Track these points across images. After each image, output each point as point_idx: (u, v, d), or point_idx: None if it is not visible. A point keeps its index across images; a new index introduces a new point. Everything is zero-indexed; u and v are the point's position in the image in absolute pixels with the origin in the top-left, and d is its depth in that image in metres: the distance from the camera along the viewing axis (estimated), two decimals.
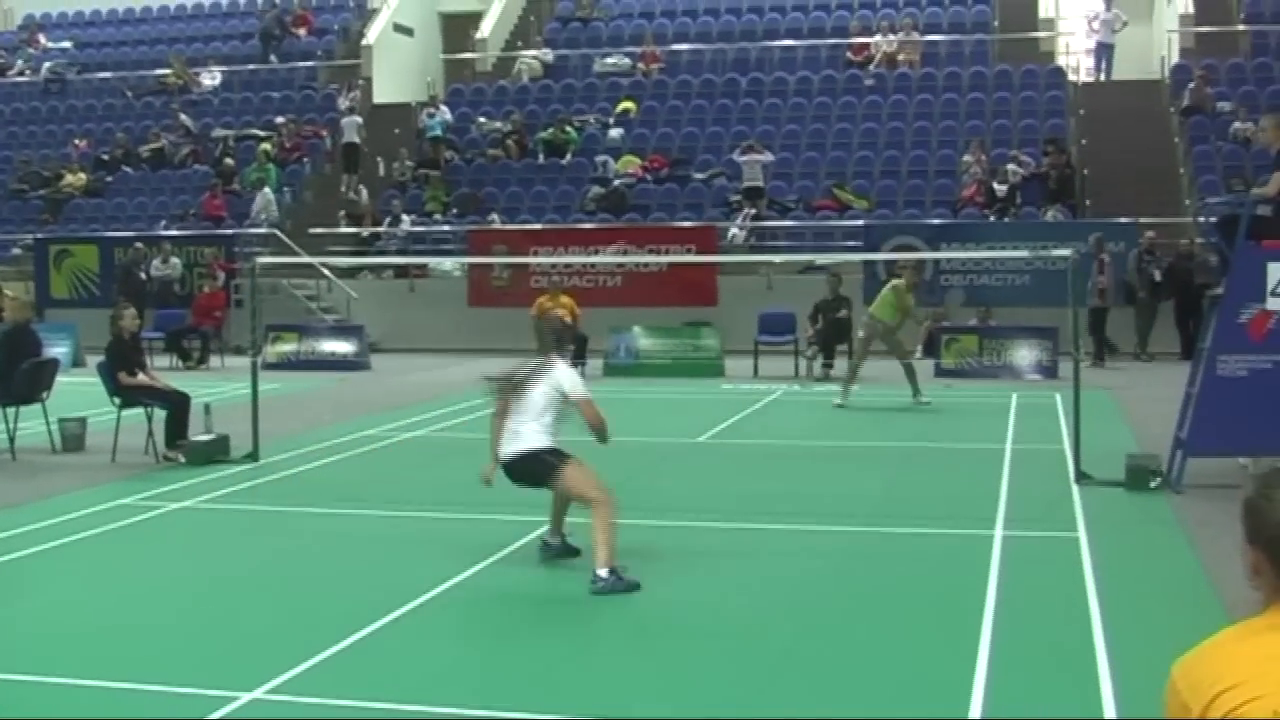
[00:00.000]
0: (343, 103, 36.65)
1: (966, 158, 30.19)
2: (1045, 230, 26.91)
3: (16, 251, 33.45)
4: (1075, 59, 35.27)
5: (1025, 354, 23.60)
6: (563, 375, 9.94)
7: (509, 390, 9.94)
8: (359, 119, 35.17)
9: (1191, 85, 31.15)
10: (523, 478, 9.92)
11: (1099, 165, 30.44)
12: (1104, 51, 34.98)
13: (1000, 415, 18.40)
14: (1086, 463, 13.07)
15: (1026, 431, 16.93)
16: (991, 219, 28.44)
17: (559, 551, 10.14)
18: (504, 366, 10.17)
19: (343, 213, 32.10)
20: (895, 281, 20.23)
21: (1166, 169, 30.33)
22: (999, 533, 10.99)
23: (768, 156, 30.29)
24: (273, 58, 40.02)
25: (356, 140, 34.69)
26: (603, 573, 9.24)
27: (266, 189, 32.98)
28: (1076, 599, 8.91)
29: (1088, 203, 29.51)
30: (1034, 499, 12.47)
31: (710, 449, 16.34)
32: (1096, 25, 35.05)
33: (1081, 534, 10.87)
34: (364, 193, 32.45)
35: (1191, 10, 33.91)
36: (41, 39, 44.03)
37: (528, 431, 9.77)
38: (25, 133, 39.54)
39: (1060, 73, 33.98)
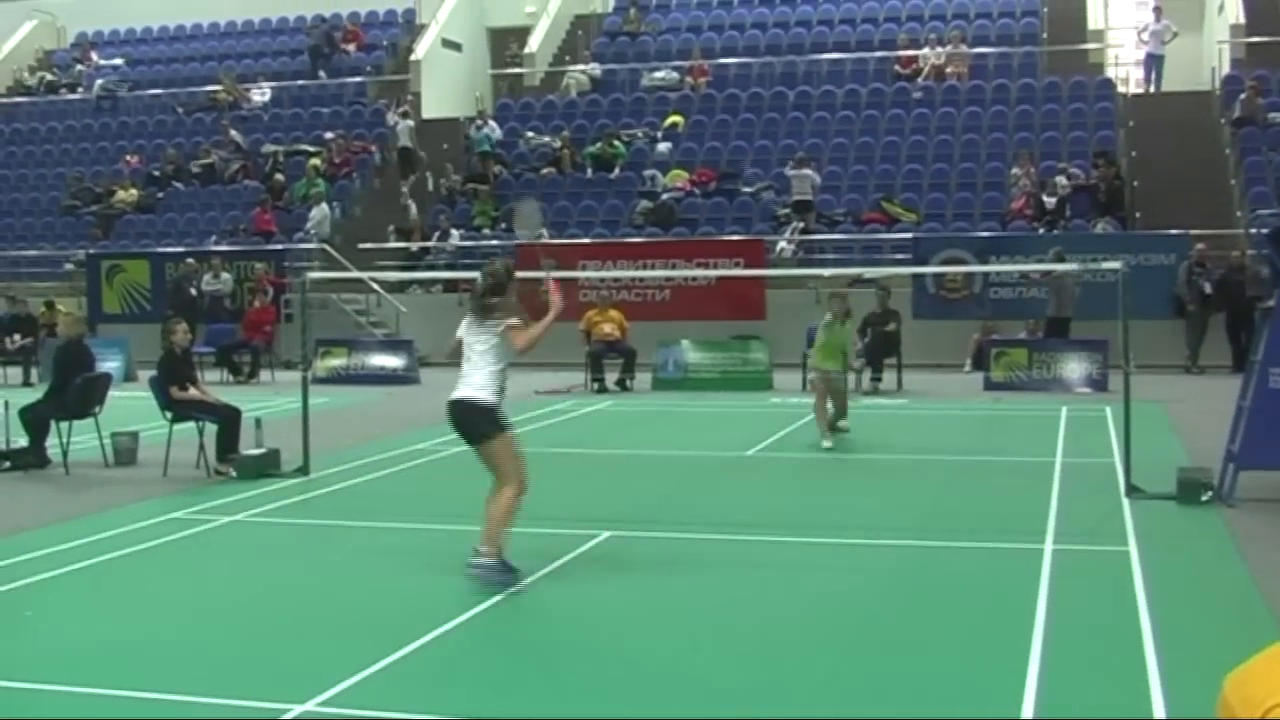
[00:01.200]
0: (391, 118, 36.88)
1: (1015, 170, 30.09)
2: (1095, 243, 26.80)
3: (69, 267, 33.74)
4: (1125, 70, 35.13)
5: (1075, 367, 23.50)
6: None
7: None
8: (412, 123, 35.43)
9: (1243, 96, 30.96)
10: (462, 427, 9.91)
11: (1149, 177, 30.28)
12: (1154, 63, 34.82)
13: (1050, 428, 18.32)
14: (1137, 476, 13.00)
15: (1076, 445, 16.85)
16: (1040, 231, 28.33)
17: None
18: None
19: (392, 227, 32.23)
20: (825, 320, 17.96)
21: (1217, 181, 30.15)
22: (1049, 547, 10.94)
23: (815, 175, 30.22)
24: (321, 73, 40.28)
25: (410, 145, 35.01)
26: (487, 553, 9.35)
27: (323, 204, 33.16)
28: (1127, 613, 8.86)
29: (1137, 215, 29.36)
30: (1084, 513, 12.41)
31: (759, 462, 16.32)
32: (1146, 36, 34.90)
33: (1132, 548, 10.81)
34: (413, 207, 32.58)
35: (1243, 20, 33.68)
36: (94, 56, 44.51)
37: (475, 378, 9.92)
38: (78, 149, 39.89)
39: (1110, 84, 33.85)
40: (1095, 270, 20.47)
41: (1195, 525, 11.82)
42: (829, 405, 17.42)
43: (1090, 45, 35.49)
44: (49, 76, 44.17)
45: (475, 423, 9.79)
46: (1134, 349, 13.50)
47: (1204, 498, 12.54)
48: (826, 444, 16.89)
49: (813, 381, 18.28)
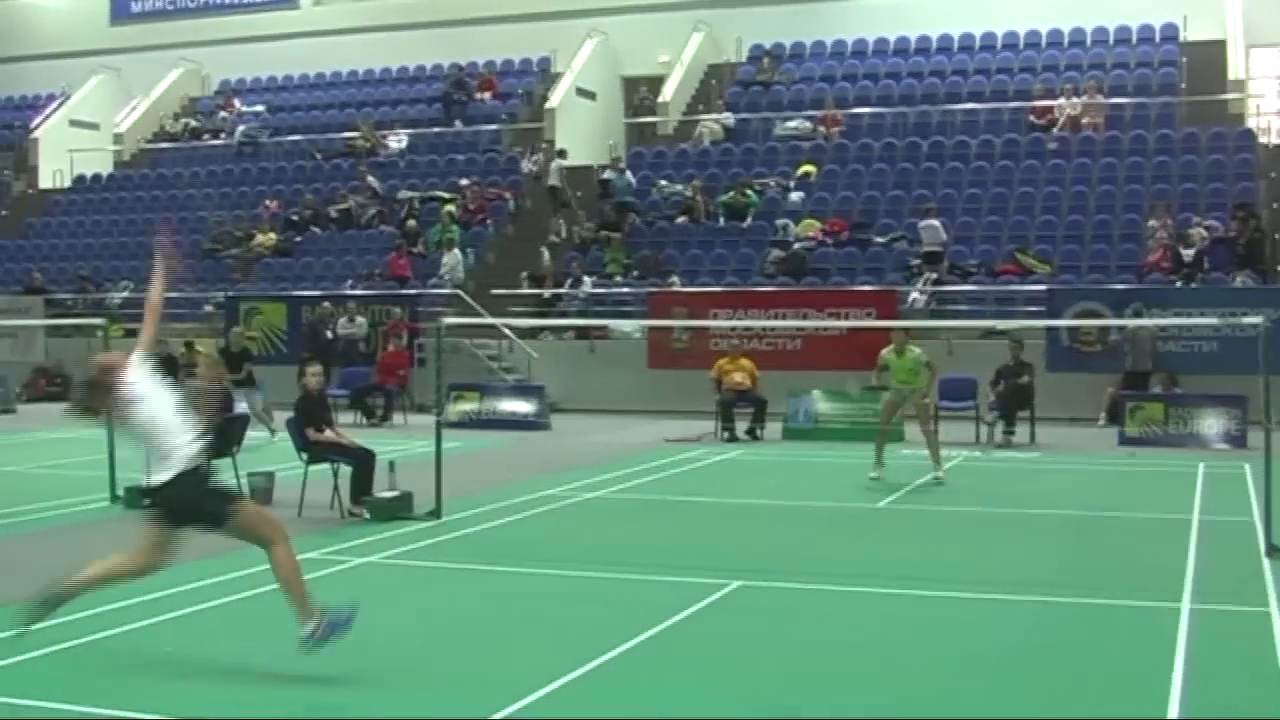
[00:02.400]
0: (526, 165, 37.27)
1: (1152, 222, 29.69)
2: (1233, 296, 26.38)
3: (209, 309, 34.34)
4: (1266, 121, 34.56)
5: (1213, 422, 23.11)
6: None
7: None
8: (563, 163, 35.86)
9: None
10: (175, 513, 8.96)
11: None
12: None
13: (1186, 484, 18.03)
14: (1278, 535, 12.75)
15: (1214, 502, 16.57)
16: (1178, 284, 27.93)
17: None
18: None
19: (525, 274, 32.47)
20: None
21: None
22: (1186, 606, 10.75)
23: (939, 226, 30.04)
24: (457, 121, 40.78)
25: (559, 184, 35.46)
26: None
27: (455, 250, 33.53)
28: (1269, 676, 8.69)
29: (1279, 268, 28.86)
30: (1223, 572, 12.19)
31: (889, 515, 16.22)
32: None
33: (1273, 609, 10.60)
34: (546, 254, 32.81)
35: None
36: (236, 103, 45.47)
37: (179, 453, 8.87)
38: (219, 194, 40.69)
39: (1250, 135, 33.33)
40: (1235, 324, 20.19)
41: None
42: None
43: (1230, 95, 35.00)
44: (193, 123, 45.18)
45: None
46: (1275, 405, 13.26)
47: None
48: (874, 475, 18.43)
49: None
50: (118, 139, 46.07)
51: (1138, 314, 25.25)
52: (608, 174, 35.38)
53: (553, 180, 36.04)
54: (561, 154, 36.60)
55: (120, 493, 16.31)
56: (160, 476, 8.88)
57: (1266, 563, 12.40)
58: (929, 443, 18.88)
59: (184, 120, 45.57)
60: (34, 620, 8.84)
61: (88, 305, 35.16)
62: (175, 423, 8.92)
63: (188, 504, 8.89)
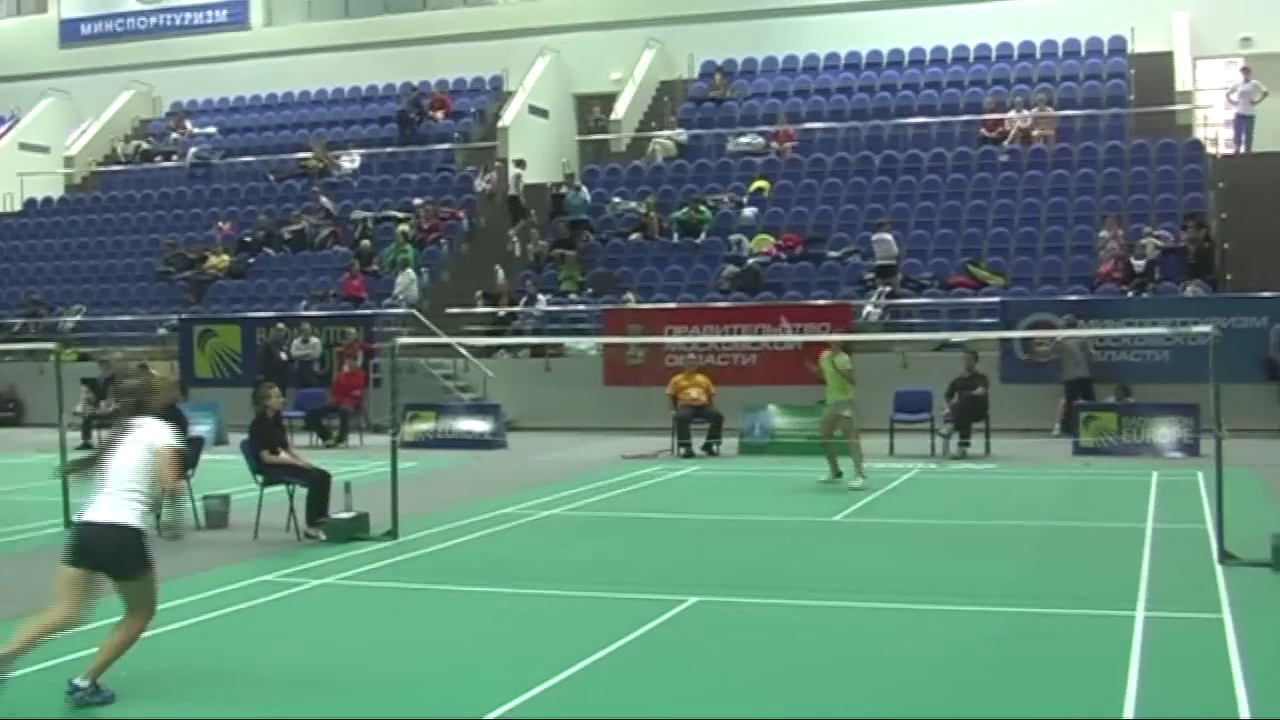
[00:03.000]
0: (480, 184, 37.29)
1: (1103, 233, 29.87)
2: (1184, 306, 26.57)
3: (162, 331, 34.20)
4: (1214, 131, 34.82)
5: (1166, 431, 23.27)
6: (152, 432, 9.10)
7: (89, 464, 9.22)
8: (521, 171, 35.83)
9: None
10: (98, 556, 8.84)
11: (1240, 239, 29.99)
12: (1243, 123, 34.58)
13: (1140, 493, 18.14)
14: (1231, 542, 12.85)
15: (1168, 510, 16.67)
16: (1129, 295, 28.10)
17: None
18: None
19: (479, 293, 32.43)
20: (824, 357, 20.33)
21: None
22: (1140, 614, 10.83)
23: (891, 239, 30.16)
24: (410, 141, 40.76)
25: (518, 195, 35.66)
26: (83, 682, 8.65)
27: (409, 269, 33.49)
28: (1222, 682, 8.75)
29: (1228, 277, 29.07)
30: (1177, 579, 12.28)
31: (846, 528, 16.26)
32: (1235, 97, 34.67)
33: (1226, 615, 10.67)
34: (500, 273, 32.77)
35: None
36: (188, 125, 45.34)
37: (118, 500, 8.82)
38: (171, 216, 40.55)
39: (1198, 146, 33.56)
40: (1185, 334, 20.31)
41: None
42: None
43: (1179, 106, 35.27)
44: (144, 145, 44.97)
45: (125, 554, 8.89)
46: (1226, 413, 13.36)
47: None
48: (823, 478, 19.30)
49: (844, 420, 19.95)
50: (68, 162, 45.88)
51: (1070, 325, 25.56)
52: (564, 190, 35.35)
53: (513, 190, 36.04)
54: (520, 164, 36.56)
55: (74, 518, 16.19)
56: (111, 516, 8.84)
57: (1219, 569, 12.49)
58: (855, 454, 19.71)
59: (135, 142, 45.37)
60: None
61: (40, 330, 34.94)
62: (151, 476, 8.97)
63: (124, 552, 8.86)
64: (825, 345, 20.85)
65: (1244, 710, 8.17)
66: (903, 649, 10.07)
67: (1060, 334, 25.81)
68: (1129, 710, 8.18)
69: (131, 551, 8.82)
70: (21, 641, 8.73)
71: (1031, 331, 26.47)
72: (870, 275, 30.13)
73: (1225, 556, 12.77)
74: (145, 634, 9.07)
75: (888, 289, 29.46)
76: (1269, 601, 11.37)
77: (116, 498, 8.86)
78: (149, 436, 9.05)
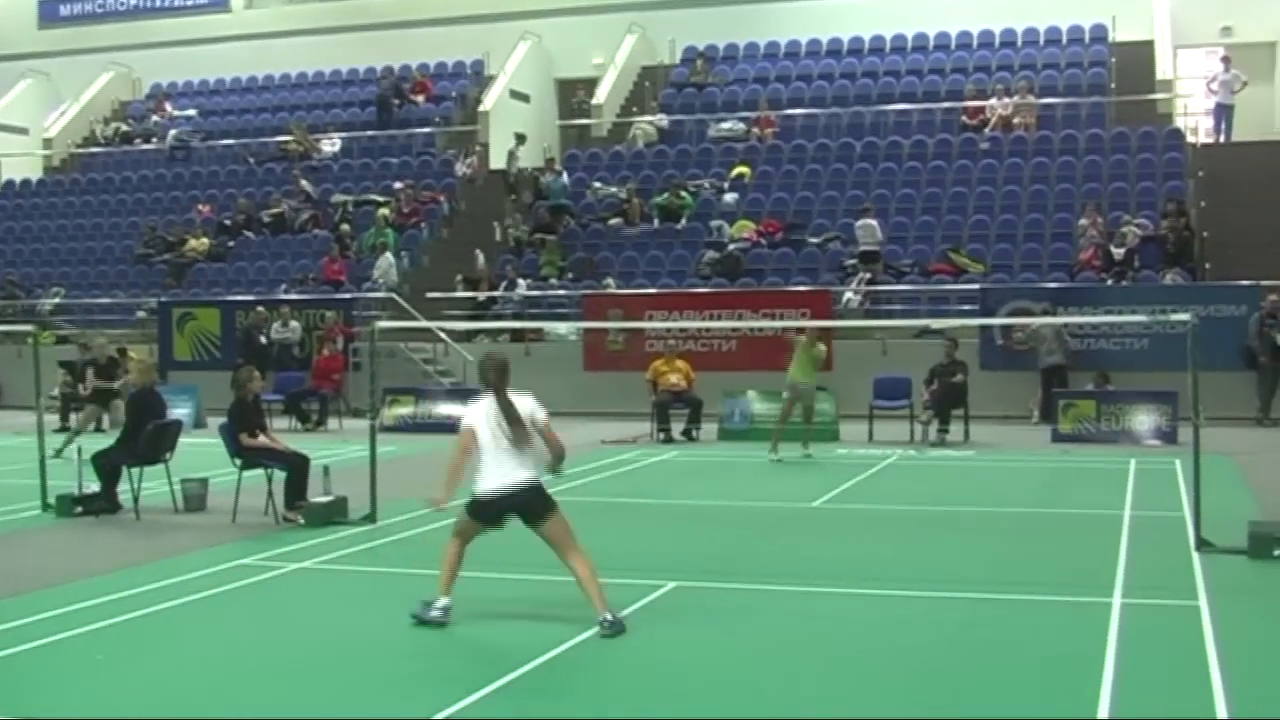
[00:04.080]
0: (460, 168, 37.23)
1: (1083, 221, 29.93)
2: (1164, 294, 26.62)
3: (141, 315, 34.11)
4: (1194, 120, 34.88)
5: (1144, 419, 23.31)
6: (528, 402, 10.53)
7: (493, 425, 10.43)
8: (516, 149, 36.14)
9: None
10: (525, 508, 10.44)
11: (1219, 228, 30.06)
12: (1223, 112, 34.64)
13: (1118, 481, 18.18)
14: (1207, 530, 12.89)
15: (1145, 497, 16.72)
16: (1109, 282, 28.16)
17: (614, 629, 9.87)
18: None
19: (459, 277, 32.39)
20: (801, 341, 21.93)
21: None
22: (1117, 600, 10.86)
23: (877, 225, 30.21)
24: (389, 124, 40.65)
25: (514, 173, 35.79)
26: (609, 616, 9.79)
27: (388, 253, 33.42)
28: (1198, 669, 8.77)
29: (1207, 266, 29.14)
30: (1154, 567, 12.31)
31: (825, 514, 16.28)
32: (1215, 86, 34.72)
33: (1202, 602, 10.72)
34: (480, 257, 32.72)
35: None
36: (168, 107, 45.16)
37: (525, 463, 10.42)
38: (151, 199, 40.40)
39: (1179, 134, 33.63)
40: (1164, 322, 20.34)
41: (1267, 580, 11.72)
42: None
43: (1159, 95, 35.31)
44: (124, 127, 44.79)
45: (539, 505, 10.57)
46: (1204, 401, 13.39)
47: (1276, 552, 12.40)
48: (774, 456, 19.94)
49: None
50: (47, 143, 45.66)
51: (1046, 313, 25.65)
52: (546, 178, 35.29)
53: (509, 166, 35.92)
54: (520, 138, 36.50)
55: (51, 501, 16.18)
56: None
57: (1196, 556, 12.53)
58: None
59: (115, 124, 45.19)
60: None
61: (18, 312, 34.81)
62: None
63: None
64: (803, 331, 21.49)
65: (1219, 696, 8.19)
66: (880, 634, 10.09)
67: (1036, 321, 25.86)
68: (1105, 695, 8.20)
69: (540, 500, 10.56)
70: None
71: (1011, 319, 26.51)
72: (852, 261, 30.14)
73: (1202, 544, 12.81)
74: (125, 616, 9.04)
75: (868, 275, 29.47)
76: (1245, 588, 11.42)
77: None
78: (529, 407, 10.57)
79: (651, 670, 9.12)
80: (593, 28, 41.67)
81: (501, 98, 40.15)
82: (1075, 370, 26.21)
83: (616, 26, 41.26)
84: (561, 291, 31.56)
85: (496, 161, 38.78)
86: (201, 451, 18.75)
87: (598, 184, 35.55)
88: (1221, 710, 7.89)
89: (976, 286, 28.39)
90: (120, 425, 23.03)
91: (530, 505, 10.35)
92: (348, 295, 32.40)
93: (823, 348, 21.97)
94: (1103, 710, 7.92)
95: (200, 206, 38.87)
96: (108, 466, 16.23)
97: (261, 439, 15.96)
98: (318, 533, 14.45)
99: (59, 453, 19.78)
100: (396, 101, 41.29)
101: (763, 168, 35.00)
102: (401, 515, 15.40)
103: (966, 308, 27.85)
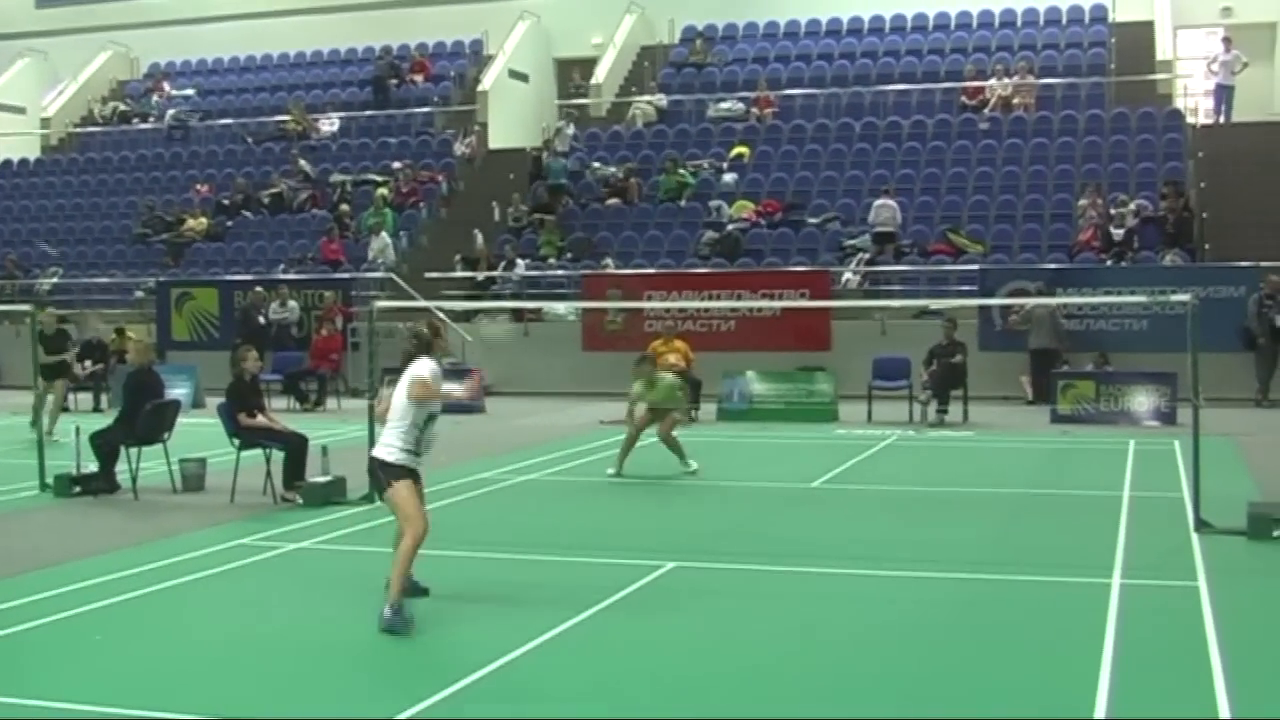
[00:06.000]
0: (459, 148, 37.18)
1: (1082, 201, 29.89)
2: (1163, 275, 26.60)
3: (139, 294, 34.07)
4: (1194, 101, 34.83)
5: (1143, 400, 23.29)
6: (416, 367, 10.55)
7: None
8: (568, 128, 36.14)
9: None
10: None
11: (1218, 208, 30.02)
12: (1223, 93, 34.57)
13: (1117, 462, 18.18)
14: (1207, 510, 12.88)
15: (1145, 478, 16.71)
16: (1108, 263, 28.14)
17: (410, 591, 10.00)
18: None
19: (458, 257, 32.35)
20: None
21: None
22: (1117, 581, 10.86)
23: (890, 200, 30.21)
24: (388, 104, 40.58)
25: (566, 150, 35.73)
26: (387, 611, 9.43)
27: (384, 233, 33.37)
28: (1197, 650, 8.77)
29: (1206, 246, 29.10)
30: (1153, 547, 12.31)
31: (824, 494, 16.28)
32: (1215, 67, 34.65)
33: (1202, 583, 10.72)
34: (479, 237, 32.67)
35: None
36: (166, 87, 45.04)
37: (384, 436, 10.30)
38: (149, 178, 40.32)
39: (1178, 115, 33.57)
40: (1164, 303, 20.35)
41: (1266, 561, 11.71)
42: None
43: (1159, 76, 35.26)
44: (122, 106, 44.71)
45: (373, 482, 10.43)
46: (1203, 382, 13.37)
47: (1275, 533, 12.41)
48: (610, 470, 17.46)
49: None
50: (45, 123, 45.56)
51: (1040, 293, 25.63)
52: (546, 158, 35.22)
53: (561, 147, 35.79)
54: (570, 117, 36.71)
55: (49, 481, 16.18)
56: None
57: (1195, 537, 12.52)
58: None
59: (113, 104, 45.12)
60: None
61: (16, 291, 34.76)
62: None
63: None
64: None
65: (1217, 671, 8.20)
66: (879, 615, 10.08)
67: (1032, 302, 25.81)
68: (1105, 675, 8.20)
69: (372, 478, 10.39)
70: (400, 575, 9.68)
71: (1010, 299, 26.48)
72: (852, 242, 30.10)
73: (1201, 525, 12.80)
74: (123, 596, 9.04)
75: (868, 256, 29.44)
76: (1244, 569, 11.42)
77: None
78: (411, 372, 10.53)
79: (650, 650, 9.11)
80: (591, 7, 41.60)
81: (500, 77, 40.08)
82: (1073, 352, 26.17)
83: (615, 6, 41.17)
84: (560, 271, 31.53)
85: (495, 142, 38.73)
86: (200, 432, 18.75)
87: (597, 164, 35.47)
88: (1220, 690, 7.88)
89: (976, 267, 28.37)
90: (63, 403, 23.05)
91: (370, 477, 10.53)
92: (346, 275, 32.36)
93: (666, 376, 18.97)
94: (1101, 690, 7.92)
95: (198, 186, 38.80)
96: (106, 446, 16.22)
97: (260, 419, 15.95)
98: (316, 513, 14.44)
99: (50, 433, 19.72)
100: (394, 81, 41.20)
101: (762, 148, 34.94)
102: None
103: (965, 288, 27.82)
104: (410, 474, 10.07)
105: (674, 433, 17.84)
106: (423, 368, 10.48)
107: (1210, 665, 8.39)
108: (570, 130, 36.05)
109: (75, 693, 8.09)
